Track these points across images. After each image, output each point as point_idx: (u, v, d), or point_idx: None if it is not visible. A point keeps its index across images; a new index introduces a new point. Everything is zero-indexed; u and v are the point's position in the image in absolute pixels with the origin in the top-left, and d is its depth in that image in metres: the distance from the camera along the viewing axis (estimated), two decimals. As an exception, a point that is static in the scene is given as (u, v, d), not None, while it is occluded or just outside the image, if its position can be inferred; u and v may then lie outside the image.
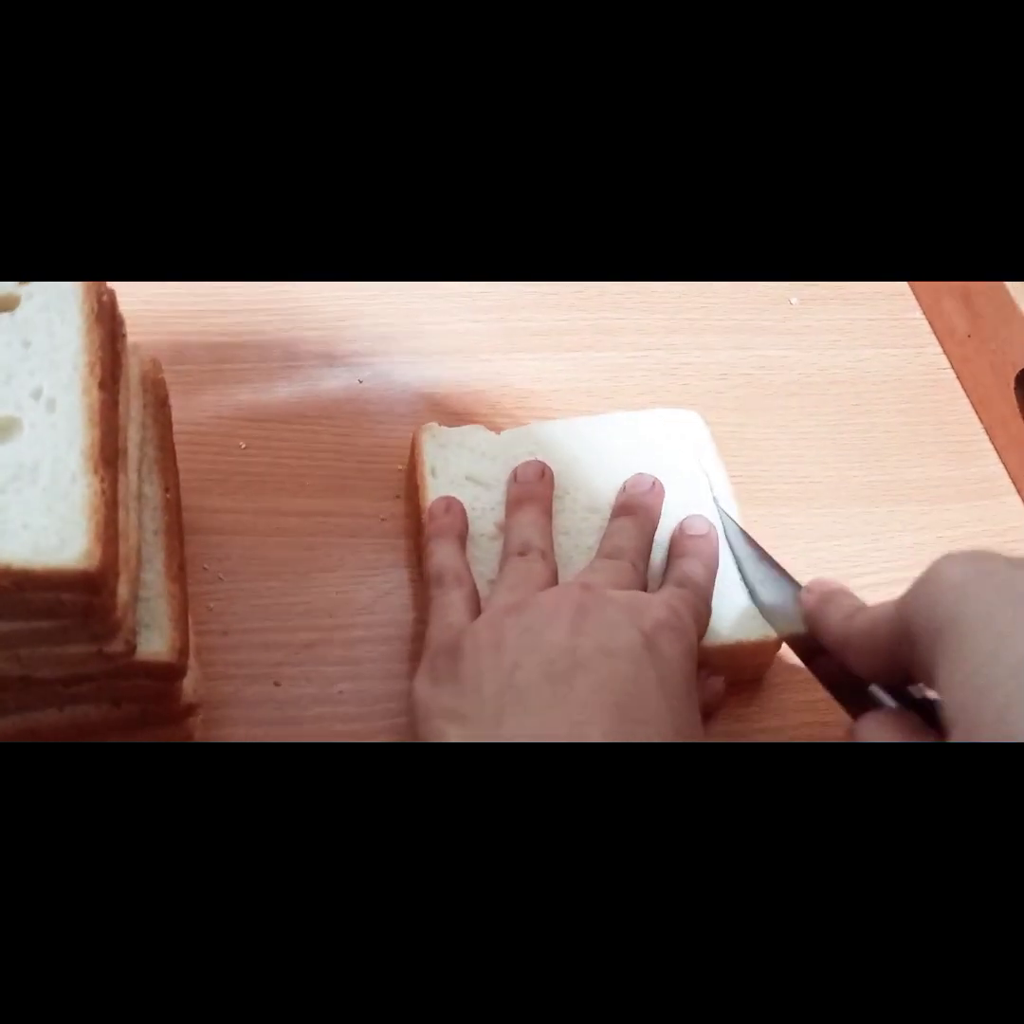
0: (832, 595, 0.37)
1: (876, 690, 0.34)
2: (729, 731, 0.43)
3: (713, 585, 0.42)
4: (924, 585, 0.30)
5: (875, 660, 0.33)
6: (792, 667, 0.45)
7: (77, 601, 0.30)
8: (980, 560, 0.29)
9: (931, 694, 0.32)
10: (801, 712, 0.44)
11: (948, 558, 0.30)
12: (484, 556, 0.43)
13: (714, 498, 0.46)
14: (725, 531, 0.44)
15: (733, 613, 0.42)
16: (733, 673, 0.43)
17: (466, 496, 0.44)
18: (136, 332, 0.39)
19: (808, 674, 0.45)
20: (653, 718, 0.32)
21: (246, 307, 0.53)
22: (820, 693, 0.44)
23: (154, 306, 0.51)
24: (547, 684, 0.33)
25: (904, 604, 0.31)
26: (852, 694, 0.36)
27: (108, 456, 0.31)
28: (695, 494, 0.46)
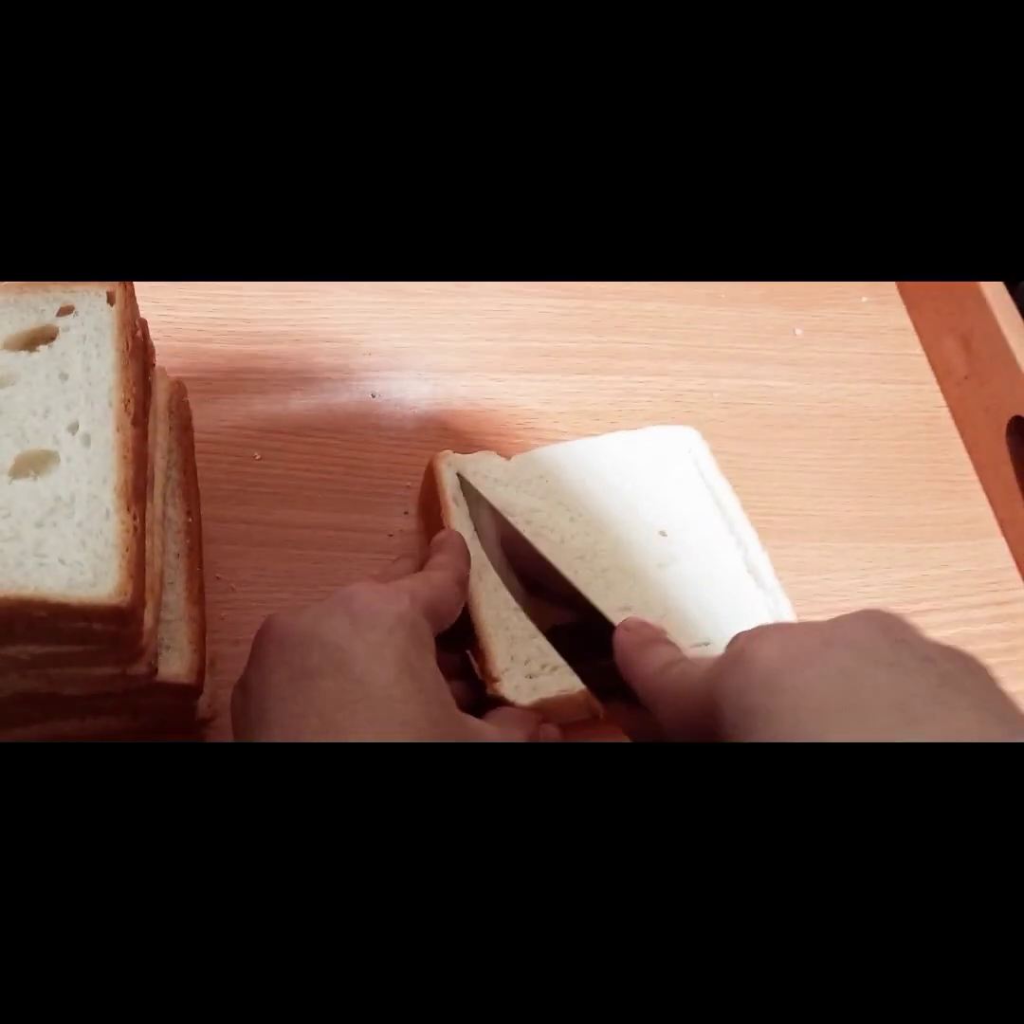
0: (650, 643, 0.36)
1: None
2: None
3: (461, 568, 0.41)
4: (735, 667, 0.29)
5: (682, 720, 0.32)
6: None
7: (106, 630, 0.31)
8: (789, 644, 0.29)
9: None
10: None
11: (758, 639, 0.29)
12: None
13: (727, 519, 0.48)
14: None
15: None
16: None
17: None
18: (155, 337, 0.40)
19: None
20: (364, 728, 0.31)
21: (263, 318, 0.53)
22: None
23: (174, 313, 0.52)
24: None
25: (714, 681, 0.30)
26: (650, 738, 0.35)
27: (139, 491, 0.33)
28: (699, 508, 0.48)
